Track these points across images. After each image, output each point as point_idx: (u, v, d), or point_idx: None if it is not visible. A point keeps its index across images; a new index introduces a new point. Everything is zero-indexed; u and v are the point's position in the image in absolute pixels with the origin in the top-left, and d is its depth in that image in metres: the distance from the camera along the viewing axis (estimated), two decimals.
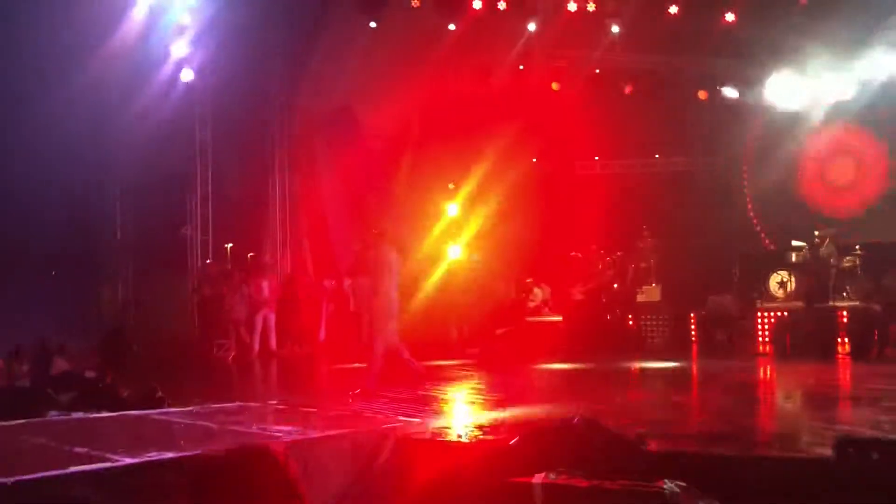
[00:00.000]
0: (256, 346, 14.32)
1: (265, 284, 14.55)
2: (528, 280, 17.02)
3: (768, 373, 11.49)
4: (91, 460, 4.66)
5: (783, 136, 17.37)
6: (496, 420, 7.08)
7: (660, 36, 16.25)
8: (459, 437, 6.42)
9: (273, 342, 14.54)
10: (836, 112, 16.62)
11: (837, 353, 12.74)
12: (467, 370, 11.86)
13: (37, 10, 11.34)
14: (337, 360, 14.26)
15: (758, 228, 18.09)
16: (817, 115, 16.68)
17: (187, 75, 14.22)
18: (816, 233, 14.47)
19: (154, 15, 13.34)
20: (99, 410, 7.42)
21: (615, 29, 15.95)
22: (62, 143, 12.24)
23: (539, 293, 16.90)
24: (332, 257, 16.42)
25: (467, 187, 18.23)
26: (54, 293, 14.17)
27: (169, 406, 7.68)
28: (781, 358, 12.86)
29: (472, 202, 18.19)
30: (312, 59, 16.33)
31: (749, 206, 18.40)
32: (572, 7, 15.38)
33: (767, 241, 17.64)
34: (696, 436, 6.34)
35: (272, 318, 14.48)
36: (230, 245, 16.64)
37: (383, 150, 18.33)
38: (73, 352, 11.17)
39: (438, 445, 5.93)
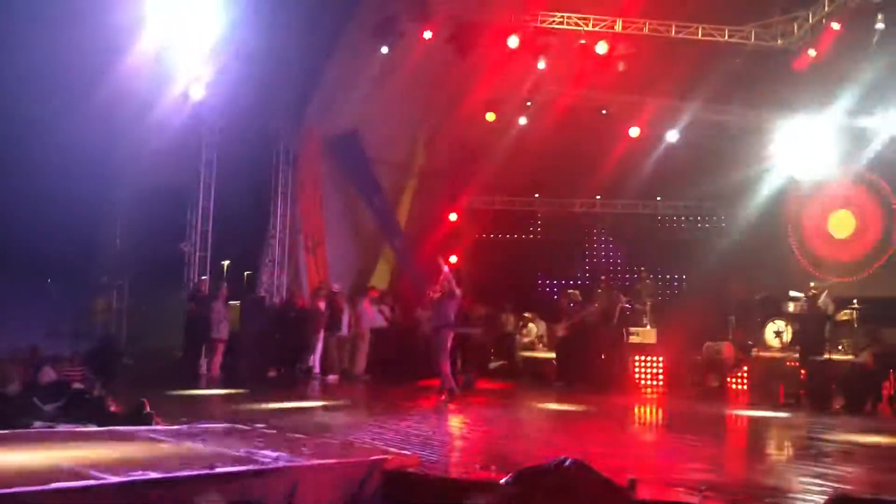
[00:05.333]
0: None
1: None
2: (527, 314, 17.00)
3: (761, 424, 11.42)
4: (73, 477, 4.58)
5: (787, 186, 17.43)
6: (487, 457, 7.01)
7: (668, 78, 16.34)
8: (449, 472, 6.35)
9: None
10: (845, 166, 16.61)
11: (831, 406, 12.68)
12: (460, 403, 11.76)
13: (52, 27, 11.42)
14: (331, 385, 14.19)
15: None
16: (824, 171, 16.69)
17: (197, 93, 14.28)
18: (813, 284, 14.47)
19: (168, 33, 13.42)
20: (85, 423, 7.34)
21: (621, 68, 16.06)
22: (71, 157, 12.30)
23: (534, 328, 16.88)
24: (329, 280, 16.37)
25: (469, 217, 18.28)
26: (48, 301, 14.13)
27: (157, 422, 7.59)
28: (775, 408, 12.78)
29: (473, 231, 18.23)
30: (322, 83, 16.43)
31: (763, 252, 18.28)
32: (602, 48, 15.42)
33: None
34: (685, 484, 6.28)
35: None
36: (227, 262, 16.61)
37: (387, 175, 18.40)
38: (63, 361, 11.11)
39: (427, 480, 5.86)
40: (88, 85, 11.85)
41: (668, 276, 19.72)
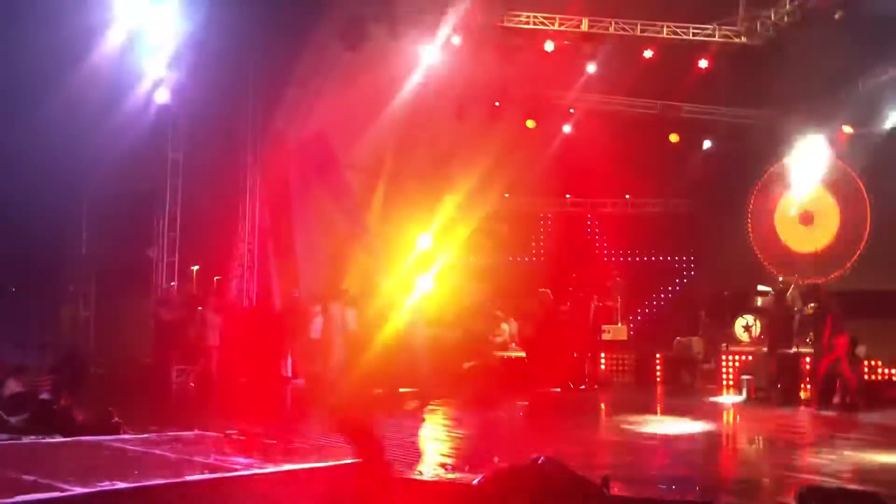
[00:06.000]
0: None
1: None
2: (498, 313, 17.00)
3: (731, 417, 11.53)
4: (38, 489, 4.48)
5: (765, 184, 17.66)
6: (460, 458, 7.00)
7: (636, 78, 16.47)
8: (422, 474, 6.33)
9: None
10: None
11: (800, 399, 12.84)
12: (433, 405, 11.74)
13: (15, 28, 11.19)
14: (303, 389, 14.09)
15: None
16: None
17: (162, 96, 14.09)
18: (781, 278, 14.66)
19: (131, 35, 13.23)
20: (52, 435, 7.20)
21: (591, 69, 16.15)
22: (33, 159, 12.04)
23: (506, 328, 16.87)
24: (298, 286, 16.23)
25: (439, 220, 18.23)
26: (13, 310, 13.87)
27: (125, 432, 7.47)
28: (744, 402, 12.92)
29: (444, 235, 18.18)
30: (289, 86, 16.29)
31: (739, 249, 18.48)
32: (549, 46, 15.57)
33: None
34: (658, 480, 6.32)
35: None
36: (196, 267, 16.40)
37: (356, 179, 18.28)
38: (29, 372, 10.88)
39: (401, 483, 5.83)
40: (48, 88, 11.63)
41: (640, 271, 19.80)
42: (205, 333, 13.88)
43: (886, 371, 13.79)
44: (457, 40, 15.53)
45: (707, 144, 17.43)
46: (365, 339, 15.53)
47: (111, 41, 12.72)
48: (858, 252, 16.67)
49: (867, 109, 15.37)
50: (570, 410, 11.69)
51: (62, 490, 4.49)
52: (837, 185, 17.05)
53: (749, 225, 18.00)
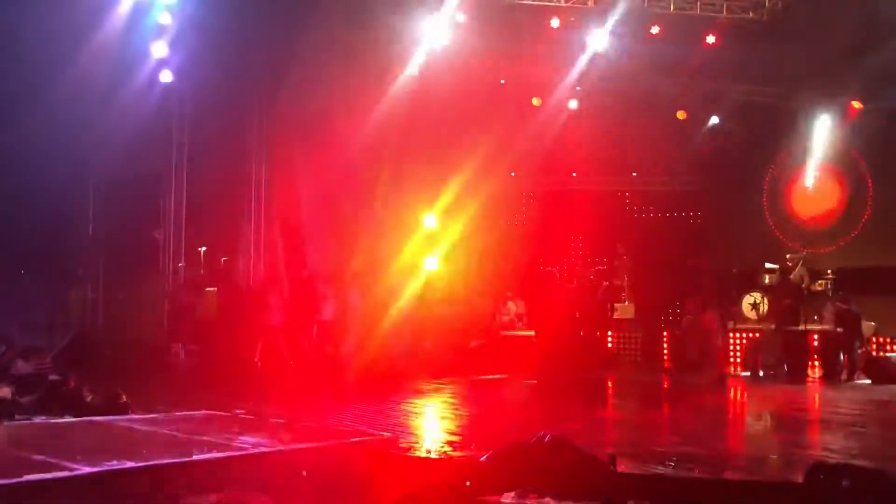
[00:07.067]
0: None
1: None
2: (507, 293, 17.00)
3: (739, 394, 11.54)
4: (48, 468, 4.51)
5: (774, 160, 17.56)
6: (467, 436, 7.02)
7: (643, 55, 16.31)
8: (429, 452, 6.35)
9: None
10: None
11: (808, 375, 12.84)
12: (440, 383, 11.77)
13: (18, 10, 11.15)
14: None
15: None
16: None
17: (166, 77, 14.04)
18: (788, 256, 14.60)
19: (134, 15, 13.17)
20: (61, 415, 7.25)
21: (598, 46, 15.98)
22: (40, 142, 12.05)
23: (513, 307, 16.87)
24: (306, 265, 16.25)
25: (445, 199, 18.18)
26: (22, 292, 13.94)
27: (133, 412, 7.52)
28: (753, 379, 12.92)
29: (450, 214, 18.13)
30: (294, 65, 16.20)
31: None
32: (555, 23, 15.43)
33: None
34: (665, 457, 6.31)
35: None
36: (203, 249, 16.43)
37: (362, 159, 18.22)
38: (38, 353, 10.94)
39: (407, 461, 5.85)
40: (53, 70, 11.60)
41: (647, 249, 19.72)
42: (267, 313, 14.12)
43: (893, 347, 13.78)
44: (461, 18, 15.40)
45: (714, 121, 17.29)
46: (373, 320, 15.59)
47: (115, 22, 12.66)
48: (860, 226, 16.66)
49: (878, 83, 15.20)
50: (578, 389, 11.70)
51: (71, 469, 4.52)
52: (845, 162, 16.92)
53: (764, 200, 17.88)
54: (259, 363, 14.11)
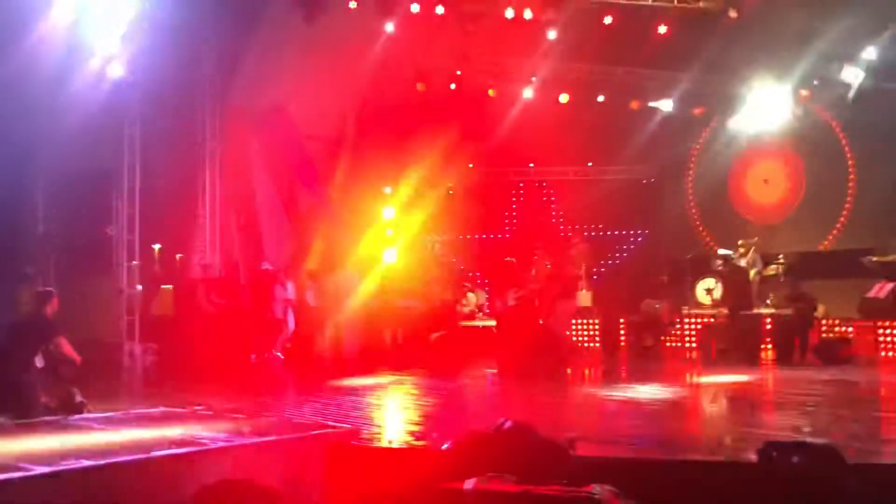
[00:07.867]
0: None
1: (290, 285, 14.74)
2: (466, 284, 17.06)
3: (694, 378, 11.74)
4: (3, 469, 4.41)
5: (720, 147, 17.86)
6: (427, 426, 7.05)
7: (597, 45, 16.46)
8: (390, 442, 6.37)
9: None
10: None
11: (762, 358, 13.13)
12: (401, 375, 11.78)
13: None
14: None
15: (698, 234, 18.48)
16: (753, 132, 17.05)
17: (116, 70, 13.75)
18: (740, 241, 14.88)
19: (82, 7, 12.86)
20: (14, 416, 7.10)
21: (552, 35, 16.09)
22: None
23: (473, 298, 16.94)
24: (263, 259, 16.11)
25: (403, 190, 18.15)
26: None
27: (89, 411, 7.40)
28: (707, 364, 13.16)
29: (408, 206, 18.12)
30: (246, 57, 16.01)
31: (692, 213, 18.78)
32: (510, 13, 15.48)
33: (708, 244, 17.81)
34: (624, 440, 6.42)
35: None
36: (158, 246, 16.17)
37: (317, 150, 18.11)
38: None
39: (369, 451, 5.86)
40: None
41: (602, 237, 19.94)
42: (273, 308, 14.27)
43: (843, 329, 14.15)
44: (416, 8, 15.37)
45: (668, 108, 17.51)
46: (328, 313, 15.53)
47: (61, 12, 12.36)
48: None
49: (827, 69, 15.55)
50: (537, 376, 11.80)
51: (27, 470, 4.44)
52: (798, 147, 17.32)
53: (716, 186, 18.21)
54: (280, 356, 14.33)
